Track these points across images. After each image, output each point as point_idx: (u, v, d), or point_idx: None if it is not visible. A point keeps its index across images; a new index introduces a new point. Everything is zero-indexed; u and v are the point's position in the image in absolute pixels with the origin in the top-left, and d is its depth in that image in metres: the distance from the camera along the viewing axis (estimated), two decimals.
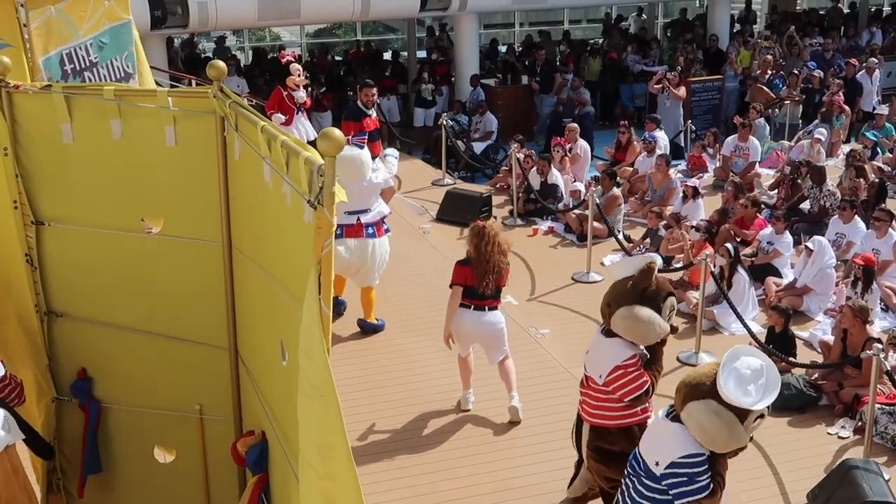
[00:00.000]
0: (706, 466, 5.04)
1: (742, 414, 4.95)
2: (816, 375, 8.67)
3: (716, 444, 5.02)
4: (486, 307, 7.75)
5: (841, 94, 16.87)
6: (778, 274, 10.95)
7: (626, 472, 5.40)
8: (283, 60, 11.81)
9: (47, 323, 5.55)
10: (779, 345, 8.93)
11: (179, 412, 5.55)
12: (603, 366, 6.05)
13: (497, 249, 7.57)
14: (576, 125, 15.40)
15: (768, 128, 16.64)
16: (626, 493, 5.32)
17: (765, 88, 17.47)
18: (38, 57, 8.49)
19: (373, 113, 10.15)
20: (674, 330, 6.15)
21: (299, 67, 11.51)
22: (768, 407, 5.06)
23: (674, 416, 5.14)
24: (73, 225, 5.34)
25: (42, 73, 8.50)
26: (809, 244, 10.44)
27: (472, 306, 7.72)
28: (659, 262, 11.11)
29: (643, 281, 5.94)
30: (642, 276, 5.95)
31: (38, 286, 5.46)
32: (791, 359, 8.70)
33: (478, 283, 7.61)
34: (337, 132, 3.41)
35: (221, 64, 4.92)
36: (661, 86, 17.86)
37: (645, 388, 5.95)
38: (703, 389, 5.00)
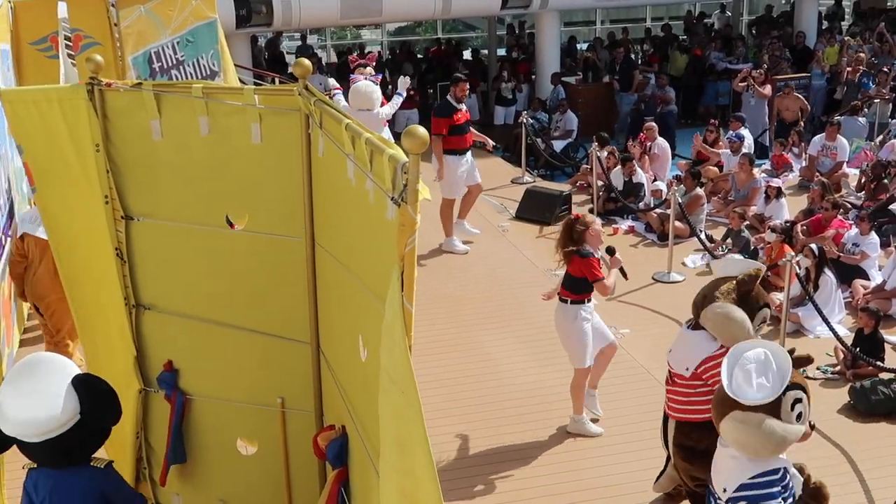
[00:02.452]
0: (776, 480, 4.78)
1: (771, 408, 4.75)
2: None
3: (765, 451, 4.79)
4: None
5: None
6: (865, 276, 10.69)
7: None
8: (353, 65, 11.84)
9: (135, 315, 5.67)
10: (867, 348, 8.73)
11: (261, 405, 5.63)
12: (690, 359, 6.01)
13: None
14: (653, 124, 15.22)
15: (865, 126, 16.23)
16: None
17: (799, 96, 16.92)
18: (127, 55, 8.70)
19: (463, 107, 11.49)
20: None
21: (366, 71, 11.57)
22: (804, 389, 4.85)
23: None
24: (160, 220, 5.44)
25: (131, 71, 8.72)
26: None
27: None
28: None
29: (746, 284, 5.91)
30: (747, 278, 5.91)
31: (126, 279, 5.57)
32: (879, 363, 8.49)
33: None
34: (421, 129, 3.41)
35: (307, 62, 4.98)
36: (745, 84, 17.56)
37: None
38: (725, 403, 4.81)
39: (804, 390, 4.92)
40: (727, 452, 4.94)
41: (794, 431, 4.81)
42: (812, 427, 5.06)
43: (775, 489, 4.76)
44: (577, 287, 7.46)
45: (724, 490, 4.86)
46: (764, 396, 4.69)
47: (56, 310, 7.95)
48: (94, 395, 4.57)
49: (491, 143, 12.51)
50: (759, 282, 5.96)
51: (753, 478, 4.79)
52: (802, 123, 16.32)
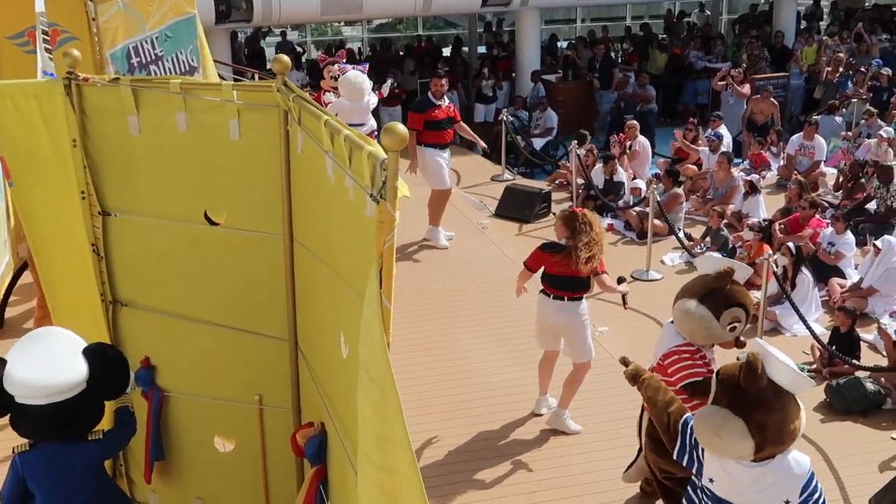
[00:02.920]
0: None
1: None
2: (882, 378, 8.51)
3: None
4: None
5: None
6: (842, 275, 10.76)
7: None
8: (323, 63, 11.81)
9: (112, 312, 5.64)
10: (843, 346, 8.79)
11: (239, 402, 5.62)
12: (659, 350, 6.10)
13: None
14: (635, 122, 15.27)
15: (842, 126, 16.32)
16: None
17: (774, 101, 16.94)
18: (105, 50, 8.64)
19: (444, 102, 11.47)
20: (739, 344, 6.09)
21: (333, 68, 11.54)
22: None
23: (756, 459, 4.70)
24: (138, 216, 5.42)
25: (109, 66, 8.65)
26: (878, 243, 10.23)
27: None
28: (748, 273, 11.07)
29: (715, 282, 5.93)
30: (717, 276, 5.94)
31: (103, 276, 5.55)
32: (855, 361, 8.55)
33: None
34: (400, 127, 3.41)
35: (285, 58, 4.95)
36: (725, 83, 17.63)
37: (701, 377, 5.84)
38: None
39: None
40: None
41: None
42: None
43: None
44: (580, 284, 7.45)
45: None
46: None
47: None
48: (103, 364, 4.82)
49: (483, 144, 12.34)
50: (731, 281, 5.94)
51: (809, 481, 4.70)
52: (776, 126, 16.36)
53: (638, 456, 6.67)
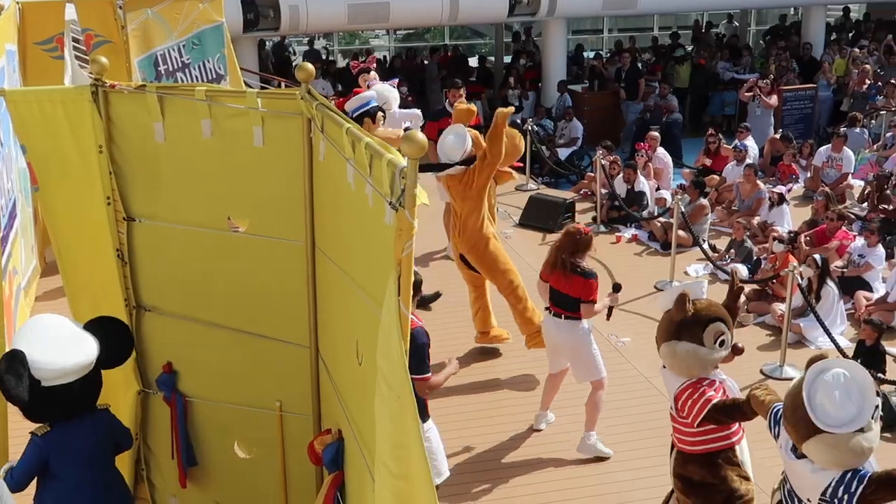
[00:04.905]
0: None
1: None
2: None
3: (854, 464, 4.59)
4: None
5: None
6: (869, 288, 10.67)
7: None
8: (355, 71, 11.87)
9: (136, 317, 5.69)
10: (868, 359, 8.70)
11: (260, 408, 5.64)
12: (670, 396, 5.88)
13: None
14: (657, 134, 15.20)
15: (865, 137, 16.21)
16: None
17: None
18: (133, 57, 8.75)
19: None
20: (737, 351, 5.86)
21: (369, 76, 11.61)
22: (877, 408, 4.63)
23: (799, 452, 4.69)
24: (162, 222, 5.46)
25: (137, 73, 8.76)
26: None
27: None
28: (744, 273, 10.95)
29: (677, 313, 5.74)
30: (676, 307, 5.76)
31: (128, 281, 5.60)
32: (881, 375, 8.47)
33: None
34: (420, 135, 3.42)
35: (310, 66, 4.99)
36: (752, 94, 17.56)
37: (710, 404, 5.59)
38: (809, 427, 4.54)
39: (882, 395, 4.79)
40: (808, 468, 4.71)
41: (876, 438, 4.63)
42: None
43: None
44: (573, 304, 7.38)
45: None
46: (854, 425, 4.49)
47: None
48: (108, 335, 5.21)
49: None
50: (693, 303, 5.74)
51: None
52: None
53: (672, 496, 6.49)
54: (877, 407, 4.60)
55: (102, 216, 5.42)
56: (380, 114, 9.67)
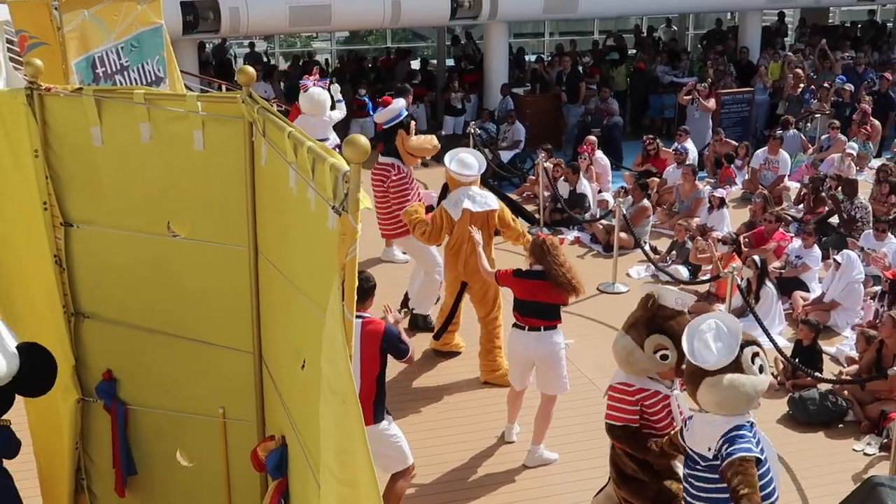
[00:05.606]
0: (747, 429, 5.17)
1: (734, 367, 5.14)
2: (844, 390, 8.60)
3: (740, 404, 5.16)
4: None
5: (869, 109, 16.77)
6: (805, 288, 10.87)
7: (685, 472, 5.44)
8: (304, 90, 11.87)
9: (74, 324, 5.59)
10: (806, 359, 8.87)
11: (203, 415, 5.58)
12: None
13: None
14: (594, 138, 15.32)
15: (798, 140, 16.50)
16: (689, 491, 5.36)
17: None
18: (70, 59, 8.59)
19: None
20: (679, 373, 5.80)
21: (316, 91, 11.70)
22: (758, 345, 5.35)
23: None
24: (101, 227, 5.38)
25: (74, 75, 8.60)
26: (838, 258, 10.35)
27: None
28: (684, 274, 11.08)
29: (640, 310, 5.92)
30: (641, 304, 5.93)
31: (65, 287, 5.50)
32: (818, 374, 8.63)
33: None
34: (362, 139, 3.42)
35: (251, 69, 4.95)
36: (690, 97, 17.78)
37: (618, 421, 5.77)
38: (695, 374, 5.21)
39: (758, 345, 5.37)
40: (701, 420, 5.31)
41: (761, 382, 5.24)
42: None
43: (749, 434, 5.16)
44: (554, 311, 7.41)
45: (709, 448, 5.20)
46: (724, 357, 5.13)
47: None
48: (31, 361, 5.02)
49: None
50: (657, 308, 5.86)
51: (729, 431, 5.15)
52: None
53: (608, 482, 6.58)
54: (756, 354, 5.26)
55: (39, 221, 5.32)
56: (412, 123, 10.13)
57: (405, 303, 10.00)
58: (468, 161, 8.60)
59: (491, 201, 8.59)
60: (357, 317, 5.41)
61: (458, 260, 8.58)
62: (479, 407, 8.48)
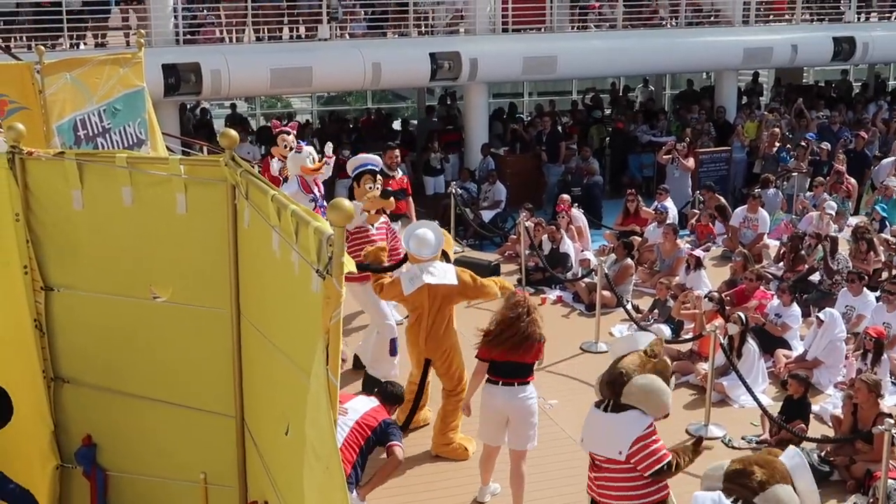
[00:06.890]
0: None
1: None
2: (828, 450, 8.57)
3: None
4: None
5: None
6: (787, 346, 10.88)
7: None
8: (276, 130, 11.87)
9: (54, 388, 5.53)
10: (795, 413, 8.85)
11: (185, 481, 5.50)
12: (622, 441, 5.94)
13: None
14: (567, 197, 15.37)
15: (778, 198, 16.65)
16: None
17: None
18: (52, 122, 8.59)
19: (398, 174, 11.54)
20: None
21: (287, 139, 11.54)
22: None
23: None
24: (82, 291, 5.36)
25: (56, 138, 8.60)
26: (821, 315, 10.37)
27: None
28: (667, 333, 11.08)
29: (652, 352, 6.11)
30: (650, 350, 6.11)
31: (45, 351, 5.46)
32: (803, 429, 8.61)
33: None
34: (346, 203, 3.42)
35: (233, 132, 4.96)
36: (670, 156, 17.94)
37: (666, 460, 5.91)
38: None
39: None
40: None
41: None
42: None
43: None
44: (527, 369, 7.41)
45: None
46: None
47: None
48: None
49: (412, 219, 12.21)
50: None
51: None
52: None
53: None
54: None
55: (20, 285, 5.29)
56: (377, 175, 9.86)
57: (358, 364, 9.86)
58: (426, 239, 8.29)
59: (450, 276, 8.31)
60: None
61: (419, 336, 8.38)
62: (441, 478, 8.36)
